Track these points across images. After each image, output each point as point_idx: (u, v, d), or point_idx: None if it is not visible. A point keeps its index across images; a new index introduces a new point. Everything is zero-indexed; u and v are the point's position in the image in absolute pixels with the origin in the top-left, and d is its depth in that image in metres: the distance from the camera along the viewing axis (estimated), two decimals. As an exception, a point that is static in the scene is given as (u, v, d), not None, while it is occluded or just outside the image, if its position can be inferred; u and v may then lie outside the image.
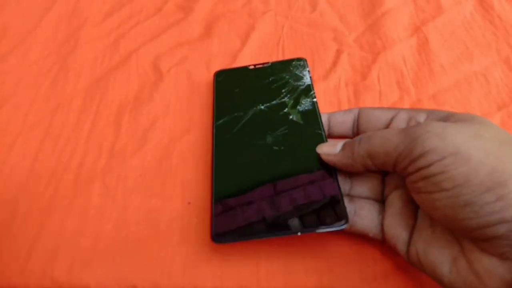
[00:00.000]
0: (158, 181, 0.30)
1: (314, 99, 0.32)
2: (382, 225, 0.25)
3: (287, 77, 0.34)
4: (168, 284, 0.26)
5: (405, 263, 0.26)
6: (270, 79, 0.34)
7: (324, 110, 0.35)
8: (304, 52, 0.40)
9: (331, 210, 0.25)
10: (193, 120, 0.34)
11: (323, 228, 0.24)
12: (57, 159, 0.32)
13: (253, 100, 0.32)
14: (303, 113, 0.31)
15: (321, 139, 0.29)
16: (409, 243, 0.23)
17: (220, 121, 0.31)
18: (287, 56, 0.39)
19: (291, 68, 0.35)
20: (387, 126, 0.27)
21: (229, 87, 0.34)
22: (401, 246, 0.24)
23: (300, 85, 0.33)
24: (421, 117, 0.25)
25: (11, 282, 0.26)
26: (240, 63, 0.38)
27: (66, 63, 0.39)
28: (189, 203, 0.29)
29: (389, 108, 0.28)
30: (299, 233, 0.24)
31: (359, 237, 0.27)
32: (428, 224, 0.23)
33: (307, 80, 0.34)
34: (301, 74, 0.34)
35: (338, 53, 0.39)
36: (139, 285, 0.26)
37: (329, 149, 0.26)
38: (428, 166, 0.20)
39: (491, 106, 0.36)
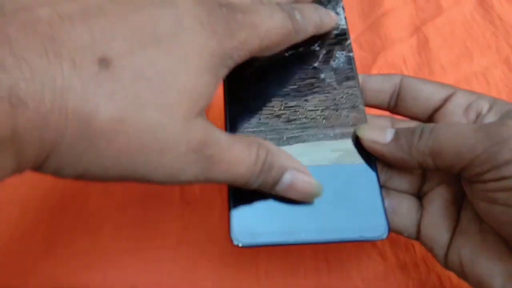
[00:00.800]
0: (158, 181, 0.30)
1: (351, 53, 0.24)
2: (419, 224, 0.22)
3: None
4: (168, 284, 0.26)
5: (405, 263, 0.27)
6: None
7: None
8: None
9: (369, 214, 0.20)
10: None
11: (358, 237, 0.19)
12: (57, 159, 0.32)
13: None
14: (338, 72, 0.23)
15: (360, 115, 0.22)
16: (449, 247, 0.21)
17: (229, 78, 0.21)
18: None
19: (322, 1, 0.26)
20: (439, 108, 0.22)
21: None
22: (438, 249, 0.21)
23: (333, 29, 0.25)
24: (484, 106, 0.21)
25: (11, 282, 0.26)
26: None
27: (66, 63, 0.39)
28: (189, 203, 0.29)
29: (441, 84, 0.23)
30: (328, 241, 0.20)
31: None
32: (476, 229, 0.20)
33: (342, 21, 0.25)
34: (334, 12, 0.25)
35: (338, 53, 0.39)
36: (139, 285, 0.26)
37: (376, 135, 0.21)
38: None
39: (491, 106, 0.36)
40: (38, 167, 0.15)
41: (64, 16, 0.14)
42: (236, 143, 0.18)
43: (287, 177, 0.19)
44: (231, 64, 0.18)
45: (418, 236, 0.22)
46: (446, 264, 0.21)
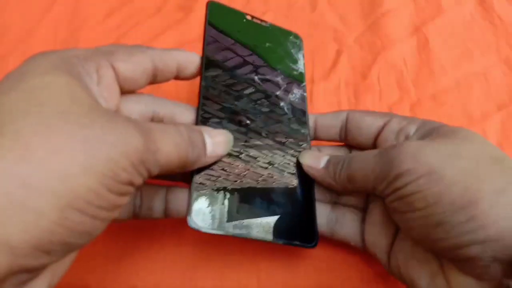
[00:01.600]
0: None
1: (305, 93, 0.29)
2: (363, 233, 0.25)
3: (282, 53, 0.30)
4: (168, 284, 0.26)
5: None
6: (266, 45, 0.29)
7: (324, 111, 0.35)
8: (304, 52, 0.40)
9: (303, 225, 0.24)
10: (193, 120, 0.34)
11: (290, 242, 0.23)
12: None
13: (247, 64, 0.27)
14: (292, 105, 0.28)
15: (305, 141, 0.27)
16: (389, 253, 0.23)
17: (209, 73, 0.26)
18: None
19: (288, 44, 0.31)
20: (378, 135, 0.25)
21: (222, 31, 0.28)
22: (381, 255, 0.24)
23: (294, 70, 0.30)
24: (412, 129, 0.24)
25: (11, 282, 0.26)
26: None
27: (66, 63, 0.39)
28: (189, 203, 0.29)
29: (380, 114, 0.26)
30: (265, 240, 0.23)
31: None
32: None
33: (300, 66, 0.30)
34: (295, 57, 0.31)
35: (338, 53, 0.39)
36: (139, 285, 0.26)
37: (312, 162, 0.25)
38: (403, 186, 0.20)
39: (491, 106, 0.36)
40: None
41: None
42: (155, 123, 0.19)
43: (206, 137, 0.21)
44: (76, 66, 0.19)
45: (364, 246, 0.25)
46: (389, 269, 0.23)
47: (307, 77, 0.37)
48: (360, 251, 0.27)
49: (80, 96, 0.17)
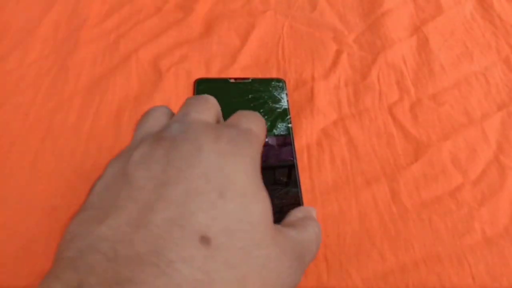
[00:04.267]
0: (158, 181, 0.30)
1: (290, 125, 0.33)
2: None
3: (266, 97, 0.35)
4: (168, 284, 0.26)
5: (405, 263, 0.27)
6: (250, 97, 0.35)
7: (324, 110, 0.35)
8: (304, 51, 0.40)
9: None
10: (193, 120, 0.34)
11: None
12: (57, 159, 0.32)
13: None
14: (278, 138, 0.32)
15: (293, 167, 0.30)
16: None
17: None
18: (287, 56, 0.39)
19: (270, 88, 0.35)
20: None
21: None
22: None
23: (277, 108, 0.34)
24: None
25: (9, 282, 0.26)
26: (240, 62, 0.38)
27: (66, 63, 0.39)
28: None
29: None
30: None
31: (358, 238, 0.27)
32: None
33: (284, 103, 0.35)
34: (279, 96, 0.35)
35: (338, 53, 0.39)
36: (139, 285, 0.26)
37: None
38: None
39: (491, 106, 0.36)
40: None
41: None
42: (299, 230, 0.21)
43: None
44: None
45: None
46: None
47: (307, 77, 0.37)
48: (359, 251, 0.27)
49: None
